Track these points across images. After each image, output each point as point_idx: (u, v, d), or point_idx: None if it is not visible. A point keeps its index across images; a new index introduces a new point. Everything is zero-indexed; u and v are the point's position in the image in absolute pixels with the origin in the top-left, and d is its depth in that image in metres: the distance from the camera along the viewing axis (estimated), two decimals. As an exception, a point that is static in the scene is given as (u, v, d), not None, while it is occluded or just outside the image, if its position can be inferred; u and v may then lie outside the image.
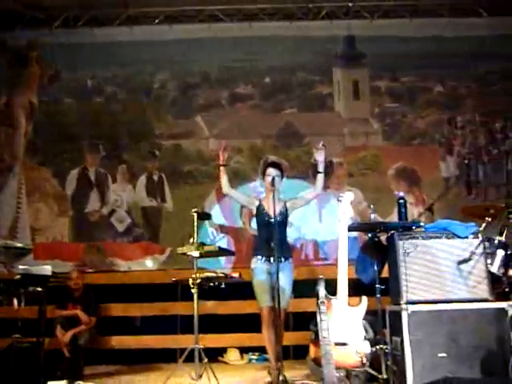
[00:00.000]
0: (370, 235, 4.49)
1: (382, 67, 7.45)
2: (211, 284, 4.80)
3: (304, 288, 4.99)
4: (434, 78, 7.50)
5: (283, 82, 7.48)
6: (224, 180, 4.67)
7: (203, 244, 4.65)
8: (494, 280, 4.64)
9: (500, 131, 7.36)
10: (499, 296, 4.77)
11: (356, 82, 7.49)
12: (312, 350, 3.95)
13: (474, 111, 7.40)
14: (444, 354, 4.00)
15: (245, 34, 7.45)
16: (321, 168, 4.58)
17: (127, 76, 7.65)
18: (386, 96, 7.45)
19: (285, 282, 4.51)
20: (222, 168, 4.68)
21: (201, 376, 4.44)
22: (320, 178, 4.62)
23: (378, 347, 4.17)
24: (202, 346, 4.45)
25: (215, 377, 4.37)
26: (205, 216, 5.30)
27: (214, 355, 5.98)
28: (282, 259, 4.52)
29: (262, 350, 5.35)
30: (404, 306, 4.06)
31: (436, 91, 7.48)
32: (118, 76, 7.64)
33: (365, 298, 3.91)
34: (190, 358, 4.48)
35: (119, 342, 6.39)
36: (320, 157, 4.55)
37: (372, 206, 4.76)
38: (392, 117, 7.39)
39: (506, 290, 4.71)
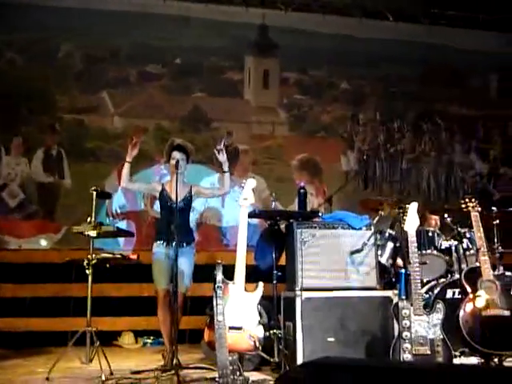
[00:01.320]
0: (269, 223, 4.58)
1: (292, 59, 7.55)
2: (107, 265, 4.66)
3: (205, 273, 5.00)
4: (341, 74, 7.75)
5: (194, 64, 7.35)
6: (125, 174, 4.52)
7: (101, 224, 4.49)
8: (382, 270, 4.94)
9: (397, 131, 7.79)
10: (386, 285, 5.08)
11: (266, 72, 7.57)
12: (206, 333, 3.96)
13: (375, 110, 7.77)
14: (332, 339, 4.20)
15: (158, 12, 7.24)
16: (225, 168, 4.57)
17: (29, 42, 7.14)
18: (295, 88, 7.60)
19: (185, 266, 4.50)
20: (126, 164, 4.52)
21: (91, 360, 4.32)
22: (226, 177, 4.61)
23: (271, 332, 4.28)
24: (94, 329, 4.32)
25: (107, 360, 4.27)
26: (105, 195, 5.12)
27: (108, 339, 5.86)
28: (184, 244, 4.51)
29: (158, 333, 5.30)
30: (298, 293, 4.20)
31: (342, 88, 7.74)
32: (19, 41, 7.12)
33: (261, 284, 3.97)
34: (81, 342, 4.34)
35: (6, 324, 6.04)
36: (222, 157, 4.54)
37: (273, 194, 4.85)
38: (299, 108, 7.56)
39: (393, 279, 5.03)
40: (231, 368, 3.65)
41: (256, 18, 7.47)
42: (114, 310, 6.17)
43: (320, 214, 4.63)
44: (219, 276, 3.65)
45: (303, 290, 4.23)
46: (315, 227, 4.37)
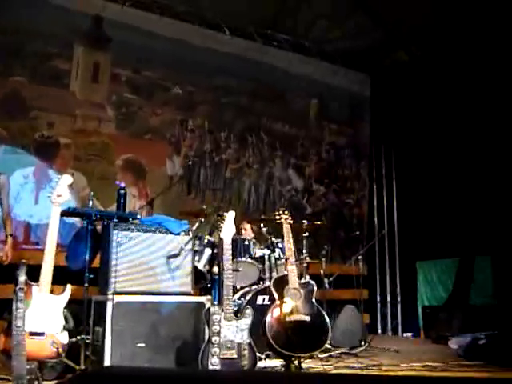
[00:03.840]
0: (85, 222, 4.37)
1: (126, 56, 7.29)
2: None
3: (10, 273, 4.57)
4: (174, 79, 7.68)
5: (16, 45, 6.65)
6: None
7: None
8: (198, 275, 5.01)
9: (224, 141, 8.00)
10: (202, 290, 5.17)
11: (97, 65, 7.19)
12: (2, 340, 3.61)
13: (205, 118, 7.87)
14: (143, 344, 4.13)
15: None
16: None
17: None
18: (126, 86, 7.31)
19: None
20: None
21: None
22: None
23: (78, 337, 4.06)
24: None
25: None
26: None
27: None
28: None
29: None
30: (110, 296, 4.07)
31: (174, 92, 7.69)
32: None
33: (69, 287, 3.76)
34: None
35: None
36: None
37: (91, 193, 4.63)
38: (128, 107, 7.29)
39: (209, 285, 5.14)
40: (28, 377, 3.38)
41: (91, 8, 7.08)
42: None
43: (138, 217, 4.55)
44: (22, 277, 3.35)
45: (115, 293, 4.11)
46: (132, 230, 4.29)
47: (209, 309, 4.00)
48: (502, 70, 7.53)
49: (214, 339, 3.91)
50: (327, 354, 5.34)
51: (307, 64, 8.65)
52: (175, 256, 4.38)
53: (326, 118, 8.96)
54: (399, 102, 9.18)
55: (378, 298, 9.05)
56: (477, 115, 7.67)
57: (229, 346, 3.94)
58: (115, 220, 4.28)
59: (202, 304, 4.40)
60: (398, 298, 8.96)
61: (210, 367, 3.84)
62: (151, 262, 4.33)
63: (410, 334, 8.42)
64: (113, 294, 4.09)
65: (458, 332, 6.69)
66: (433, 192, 8.19)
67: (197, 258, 5.04)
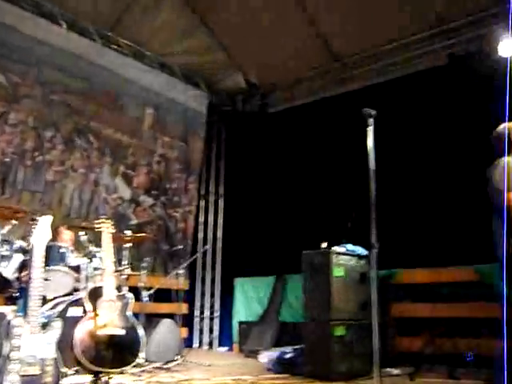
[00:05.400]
0: None
1: None
2: None
3: None
4: (-1, 68, 7.01)
5: None
6: None
7: None
8: (5, 283, 4.59)
9: (49, 140, 7.43)
10: (8, 300, 4.74)
11: None
12: None
13: (29, 113, 7.24)
14: None
15: None
16: None
17: None
18: None
19: None
20: None
21: None
22: None
23: None
24: None
25: None
26: None
27: None
28: None
29: None
30: None
31: (0, 81, 6.98)
32: None
33: None
34: None
35: None
36: None
37: None
38: None
39: (16, 294, 4.73)
40: None
41: None
42: None
43: None
44: None
45: None
46: None
47: (9, 321, 3.65)
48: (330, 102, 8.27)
49: (13, 355, 3.57)
50: (140, 369, 5.24)
51: (146, 73, 8.52)
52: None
53: (159, 129, 8.86)
54: (234, 122, 9.56)
55: (197, 313, 9.17)
56: (306, 143, 8.27)
57: (30, 361, 3.63)
58: None
59: (3, 315, 4.00)
60: (216, 313, 9.18)
61: (7, 385, 3.50)
62: None
63: (224, 349, 8.67)
64: None
65: (270, 347, 7.08)
66: (256, 212, 8.60)
67: (5, 263, 4.61)
